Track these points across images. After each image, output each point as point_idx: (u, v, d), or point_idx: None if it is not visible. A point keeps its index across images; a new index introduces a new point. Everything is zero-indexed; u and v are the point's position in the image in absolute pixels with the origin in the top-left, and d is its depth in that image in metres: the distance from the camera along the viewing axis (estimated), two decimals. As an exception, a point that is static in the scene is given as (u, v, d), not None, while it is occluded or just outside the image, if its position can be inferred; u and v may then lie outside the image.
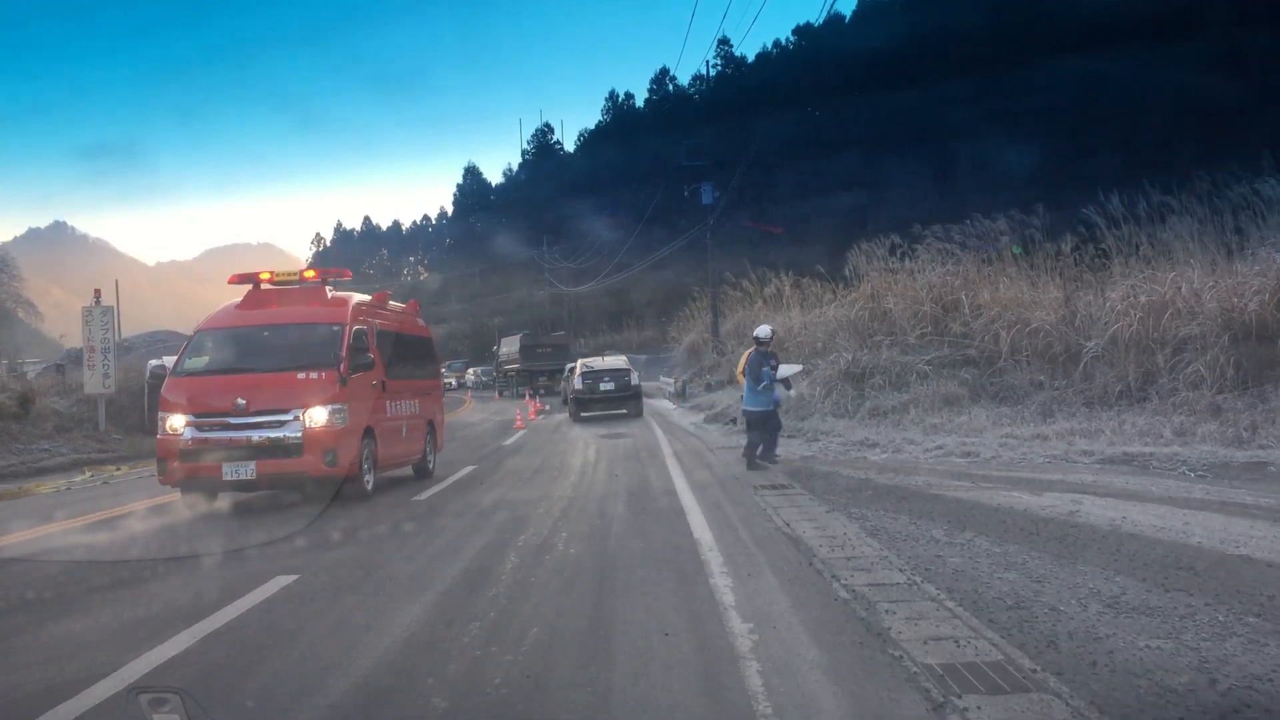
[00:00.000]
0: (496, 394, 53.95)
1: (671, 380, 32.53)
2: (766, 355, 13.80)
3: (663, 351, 57.78)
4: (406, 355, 13.83)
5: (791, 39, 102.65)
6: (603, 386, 27.18)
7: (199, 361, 11.55)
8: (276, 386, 10.90)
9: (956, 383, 17.56)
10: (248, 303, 12.27)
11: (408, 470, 14.22)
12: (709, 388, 29.30)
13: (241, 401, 10.71)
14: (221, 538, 9.61)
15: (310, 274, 12.62)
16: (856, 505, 9.98)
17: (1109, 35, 57.82)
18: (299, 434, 10.69)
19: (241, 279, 12.46)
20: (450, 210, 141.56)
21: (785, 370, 14.84)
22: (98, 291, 23.13)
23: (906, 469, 12.94)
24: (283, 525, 10.11)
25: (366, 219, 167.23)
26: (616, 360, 29.69)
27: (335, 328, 11.60)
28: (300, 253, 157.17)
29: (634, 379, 27.56)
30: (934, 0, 76.17)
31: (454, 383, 69.50)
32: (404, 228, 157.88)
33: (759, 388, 13.55)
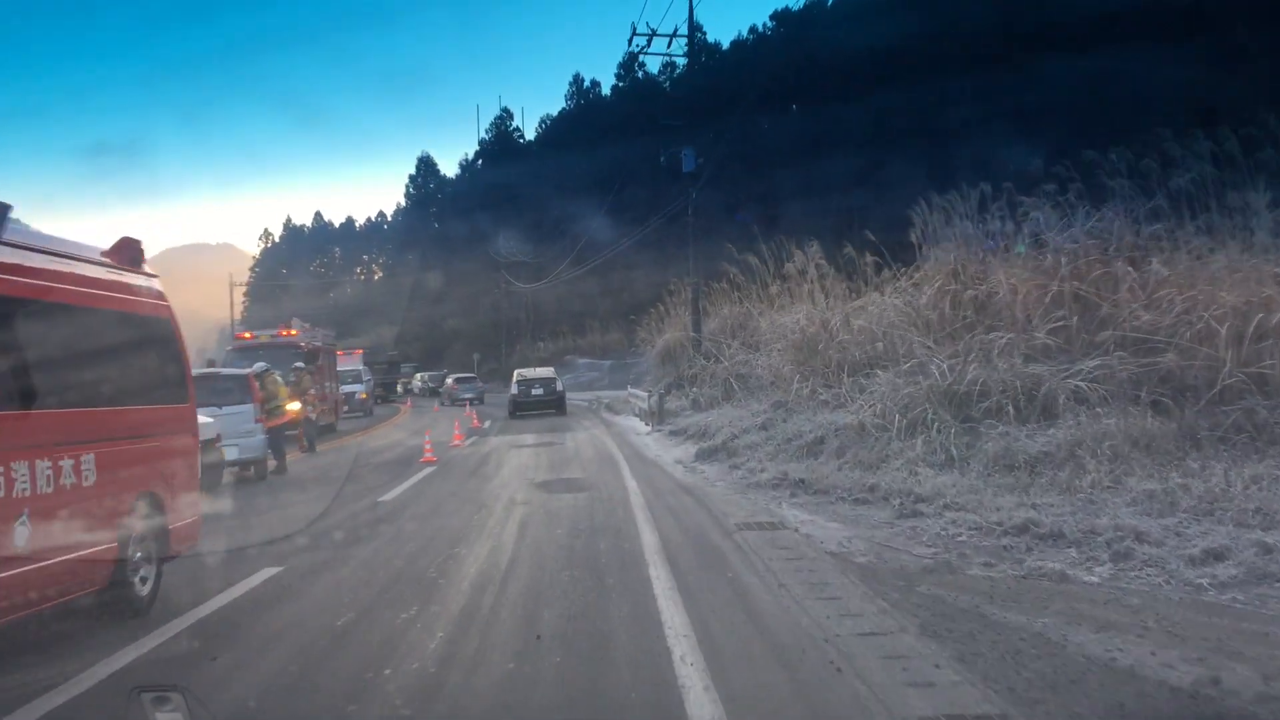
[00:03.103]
0: (435, 405, 46.28)
1: (644, 394, 24.92)
2: None
3: (630, 357, 50.33)
4: (74, 360, 6.17)
5: (770, 25, 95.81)
6: (534, 392, 33.22)
7: None
8: None
9: (1149, 412, 10.15)
10: None
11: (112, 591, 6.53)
12: (696, 404, 21.66)
13: None
14: None
15: None
16: None
17: (1113, 31, 52.21)
18: None
19: None
20: (406, 205, 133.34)
21: None
22: None
23: (1221, 642, 5.47)
24: None
25: (318, 214, 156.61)
26: (545, 371, 37.32)
27: None
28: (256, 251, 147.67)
29: (559, 386, 34.30)
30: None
31: (399, 389, 64.14)
32: (358, 224, 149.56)
33: None
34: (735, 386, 19.53)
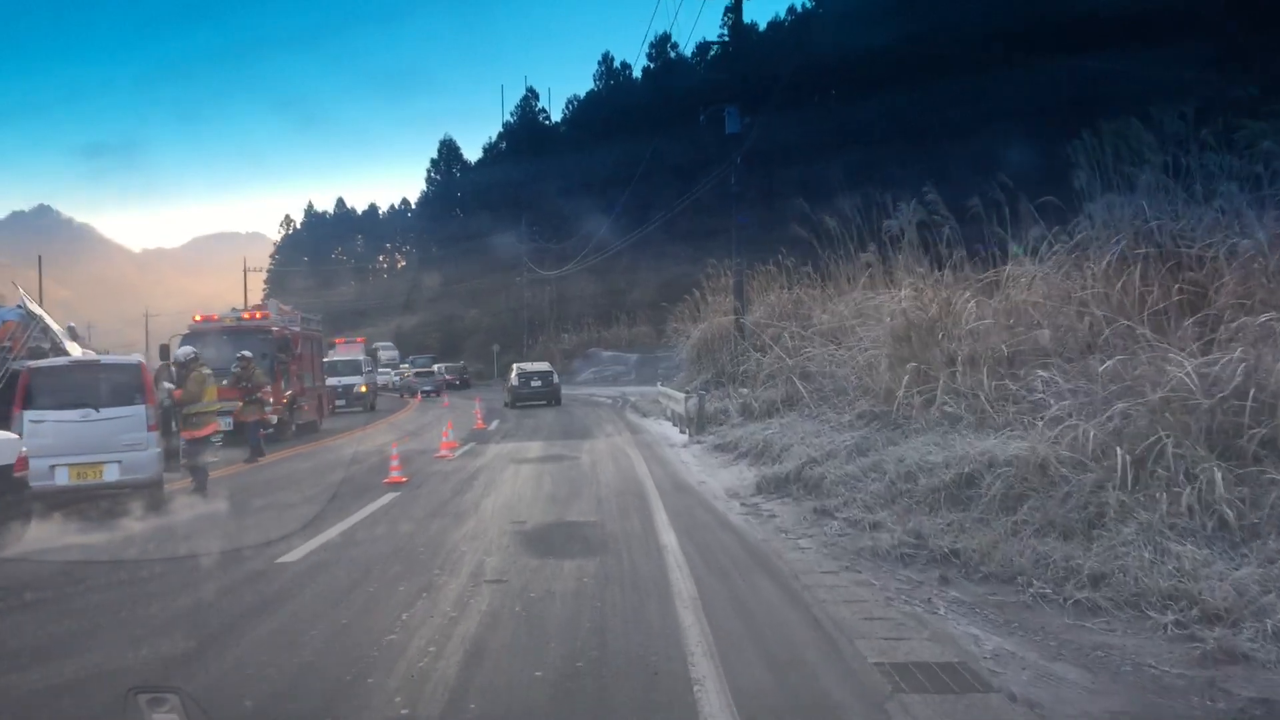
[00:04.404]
0: (444, 400, 42.04)
1: (679, 395, 20.36)
2: None
3: (660, 349, 45.78)
4: None
5: (809, 5, 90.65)
6: (533, 384, 34.53)
7: None
8: None
9: None
10: None
11: None
12: (747, 410, 17.02)
13: None
14: None
15: None
16: None
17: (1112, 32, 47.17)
18: None
19: None
20: (428, 191, 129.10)
21: None
22: None
23: None
24: None
25: (340, 201, 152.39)
26: (542, 365, 39.01)
27: None
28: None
29: (555, 379, 35.88)
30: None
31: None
32: (381, 211, 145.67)
33: None
34: (801, 388, 14.90)
